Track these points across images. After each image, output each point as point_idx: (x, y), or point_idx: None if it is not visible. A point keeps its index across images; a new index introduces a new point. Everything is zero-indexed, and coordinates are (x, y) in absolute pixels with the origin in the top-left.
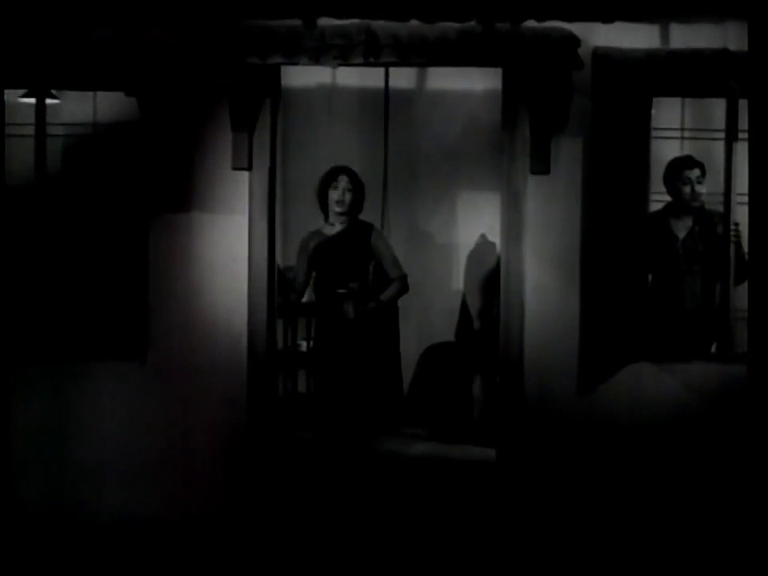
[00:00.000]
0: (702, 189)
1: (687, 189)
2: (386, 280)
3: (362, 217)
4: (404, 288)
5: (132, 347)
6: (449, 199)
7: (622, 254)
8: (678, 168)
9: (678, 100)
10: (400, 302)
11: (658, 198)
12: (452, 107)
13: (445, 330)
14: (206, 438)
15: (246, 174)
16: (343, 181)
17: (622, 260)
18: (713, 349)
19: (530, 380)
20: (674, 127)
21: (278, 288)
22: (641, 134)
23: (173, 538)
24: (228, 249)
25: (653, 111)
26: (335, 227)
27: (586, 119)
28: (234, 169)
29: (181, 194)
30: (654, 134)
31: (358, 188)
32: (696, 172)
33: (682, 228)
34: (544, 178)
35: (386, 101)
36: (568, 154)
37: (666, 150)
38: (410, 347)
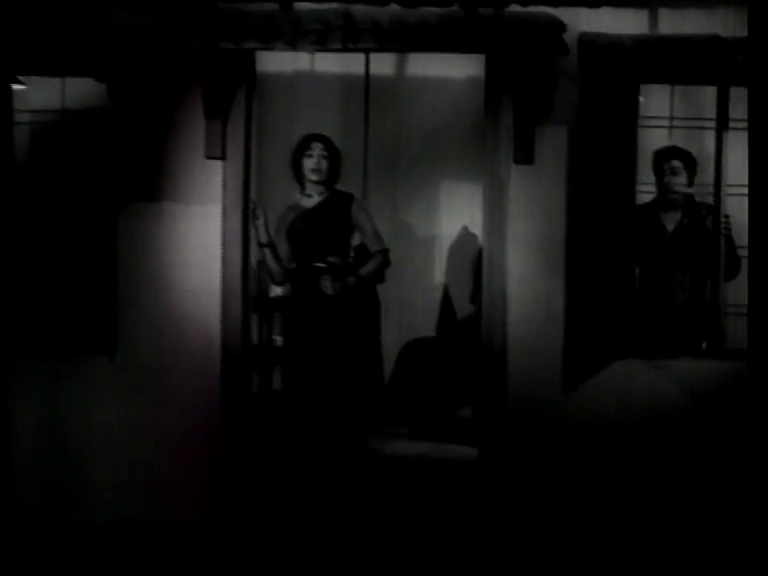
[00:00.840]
0: (679, 180)
1: (665, 180)
2: (366, 254)
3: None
4: (386, 262)
5: (100, 342)
6: (430, 189)
7: (608, 246)
8: (658, 158)
9: (666, 87)
10: (380, 296)
11: (646, 189)
12: (434, 94)
13: (426, 324)
14: (178, 436)
15: (219, 163)
16: (318, 148)
17: (609, 252)
18: (703, 345)
19: (513, 376)
20: (663, 116)
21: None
22: (628, 122)
23: (142, 539)
24: (201, 240)
25: (640, 99)
26: (313, 198)
27: (572, 107)
28: (208, 158)
29: (152, 183)
30: (641, 122)
31: (333, 155)
32: (675, 163)
33: (670, 221)
34: (528, 167)
35: (366, 88)
36: (553, 142)
37: (653, 139)
38: (390, 342)
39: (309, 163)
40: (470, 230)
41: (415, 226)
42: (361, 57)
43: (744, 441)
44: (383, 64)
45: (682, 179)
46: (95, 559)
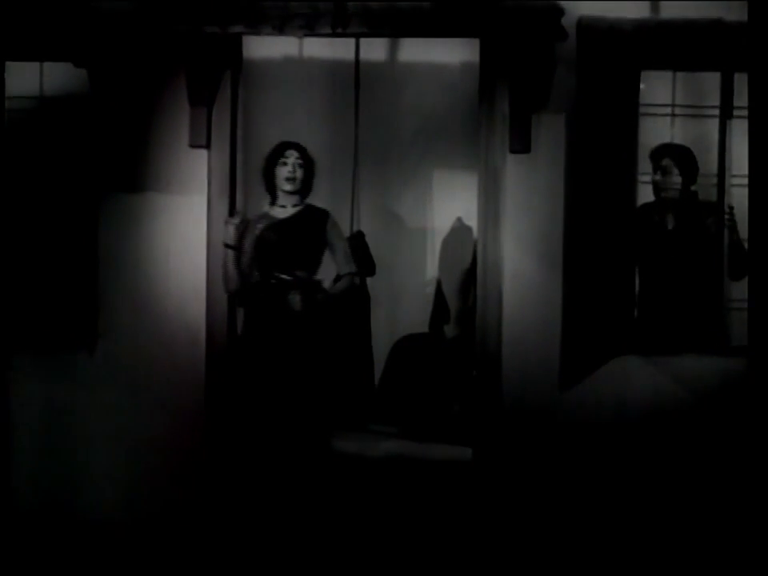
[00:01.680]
0: (671, 178)
1: (655, 179)
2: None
3: (326, 197)
4: (353, 286)
5: (80, 337)
6: (422, 179)
7: (608, 240)
8: (652, 157)
9: (668, 74)
10: (370, 291)
11: (647, 180)
12: (426, 80)
13: (418, 320)
14: (161, 432)
15: (204, 152)
16: (292, 156)
17: (608, 246)
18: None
19: (509, 374)
20: (665, 103)
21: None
22: (628, 110)
23: (124, 534)
24: (185, 232)
25: (641, 86)
26: (286, 209)
27: (570, 94)
28: (192, 146)
29: (134, 173)
30: (642, 110)
31: (308, 165)
32: (665, 162)
33: (671, 218)
34: (524, 157)
35: (356, 74)
36: (550, 131)
37: (655, 127)
38: (381, 338)
39: (283, 171)
40: (465, 221)
41: (407, 217)
42: (351, 42)
43: (747, 439)
44: (374, 49)
45: (673, 177)
46: (74, 553)
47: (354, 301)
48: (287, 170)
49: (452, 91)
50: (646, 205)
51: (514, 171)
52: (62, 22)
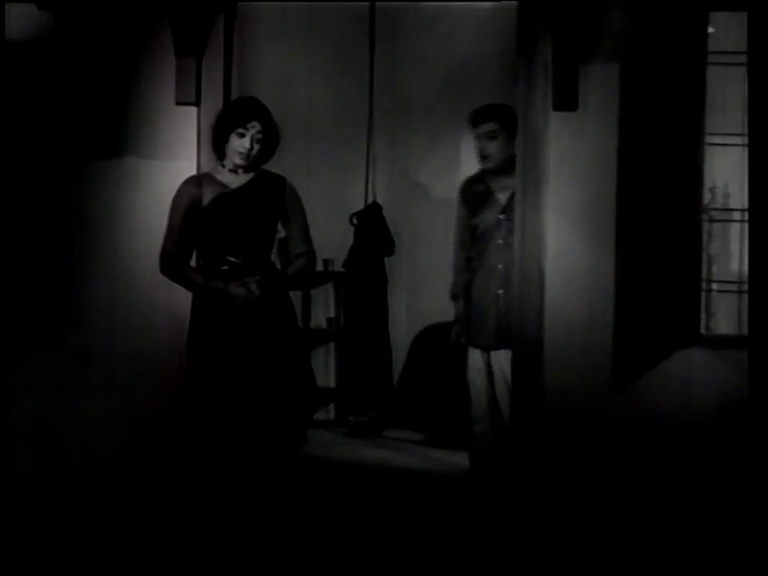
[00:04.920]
0: (493, 146)
1: (478, 145)
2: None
3: (336, 164)
4: (312, 266)
5: (50, 328)
6: (449, 142)
7: (670, 211)
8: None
9: (742, 15)
10: (388, 273)
11: (716, 141)
12: (453, 26)
13: (443, 307)
14: (138, 433)
15: (193, 110)
16: (253, 129)
17: (670, 218)
18: None
19: (551, 371)
20: (737, 50)
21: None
22: (694, 58)
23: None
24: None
25: (709, 29)
26: (238, 177)
27: (624, 41)
28: (179, 103)
29: (111, 134)
30: (711, 58)
31: (271, 137)
32: (487, 126)
33: None
34: (570, 114)
35: (370, 19)
36: (601, 84)
37: (725, 77)
38: (400, 329)
39: (238, 144)
40: None
41: (432, 187)
42: None
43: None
44: None
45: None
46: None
47: (369, 285)
48: (243, 144)
49: (483, 39)
50: None
51: (559, 131)
52: None
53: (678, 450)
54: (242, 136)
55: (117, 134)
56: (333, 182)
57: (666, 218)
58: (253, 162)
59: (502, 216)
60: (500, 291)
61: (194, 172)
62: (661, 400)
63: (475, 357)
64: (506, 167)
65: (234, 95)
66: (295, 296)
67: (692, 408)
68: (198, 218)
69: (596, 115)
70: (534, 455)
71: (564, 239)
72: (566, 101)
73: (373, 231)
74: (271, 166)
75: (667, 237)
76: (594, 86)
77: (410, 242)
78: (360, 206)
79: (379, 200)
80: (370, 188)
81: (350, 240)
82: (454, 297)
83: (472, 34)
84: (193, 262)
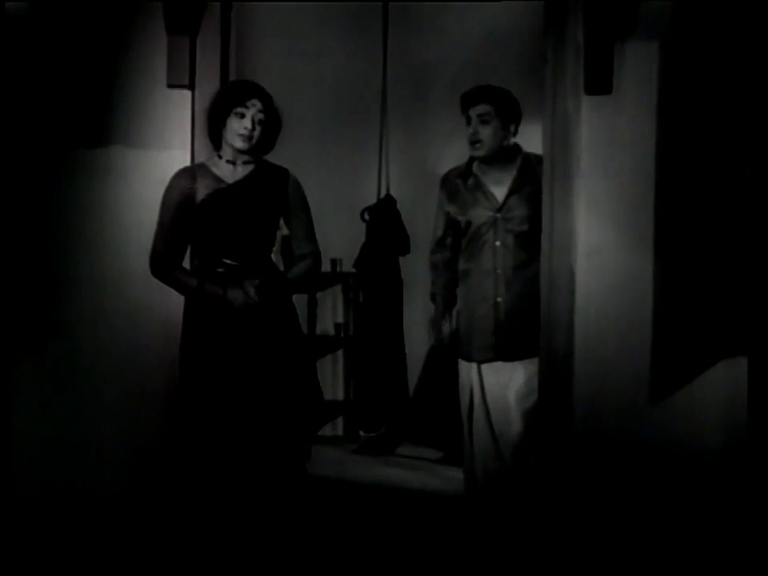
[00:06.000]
0: (486, 131)
1: (469, 130)
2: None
3: (347, 154)
4: (317, 269)
5: (30, 334)
6: None
7: (714, 207)
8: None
9: None
10: (404, 274)
11: None
12: (473, 5)
13: None
14: (125, 448)
15: (186, 93)
16: (254, 108)
17: (715, 215)
18: None
19: (582, 382)
20: None
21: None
22: (744, 35)
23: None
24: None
25: None
26: (235, 169)
27: (664, 15)
28: (170, 86)
29: (95, 121)
30: None
31: (273, 120)
32: (480, 108)
33: None
34: (604, 99)
35: None
36: (638, 65)
37: None
38: (416, 338)
39: (238, 125)
40: None
41: None
42: None
43: None
44: None
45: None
46: None
47: (381, 287)
48: (244, 124)
49: (508, 16)
50: None
51: (591, 118)
52: None
53: (721, 462)
54: (242, 116)
55: (101, 121)
56: (342, 174)
57: (711, 215)
58: (253, 151)
59: (498, 215)
60: (499, 299)
61: (187, 162)
62: (704, 411)
63: (465, 371)
64: (497, 158)
65: (232, 77)
66: (300, 299)
67: (737, 420)
68: (192, 215)
69: (633, 99)
70: (564, 475)
71: (597, 238)
72: (600, 83)
73: (386, 228)
74: (273, 157)
75: (711, 234)
76: (631, 67)
77: (426, 240)
78: (372, 200)
79: (393, 193)
80: (383, 180)
81: (361, 238)
82: (432, 297)
83: (495, 11)
84: (186, 263)
